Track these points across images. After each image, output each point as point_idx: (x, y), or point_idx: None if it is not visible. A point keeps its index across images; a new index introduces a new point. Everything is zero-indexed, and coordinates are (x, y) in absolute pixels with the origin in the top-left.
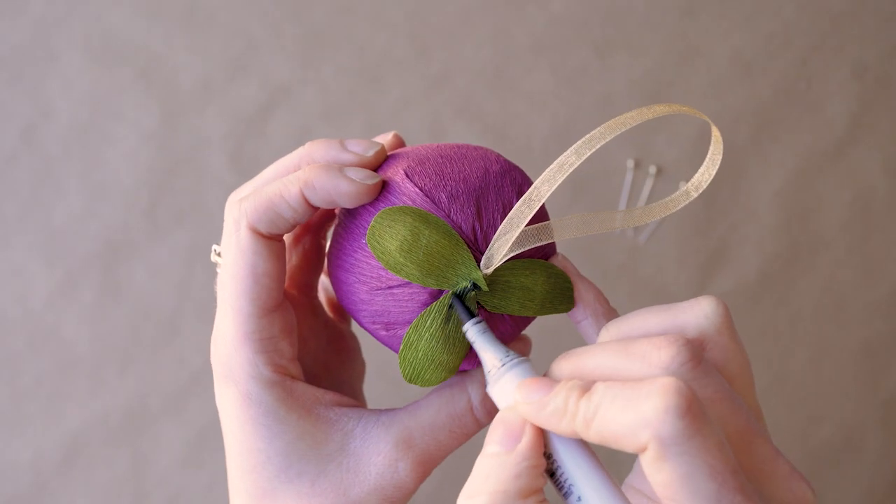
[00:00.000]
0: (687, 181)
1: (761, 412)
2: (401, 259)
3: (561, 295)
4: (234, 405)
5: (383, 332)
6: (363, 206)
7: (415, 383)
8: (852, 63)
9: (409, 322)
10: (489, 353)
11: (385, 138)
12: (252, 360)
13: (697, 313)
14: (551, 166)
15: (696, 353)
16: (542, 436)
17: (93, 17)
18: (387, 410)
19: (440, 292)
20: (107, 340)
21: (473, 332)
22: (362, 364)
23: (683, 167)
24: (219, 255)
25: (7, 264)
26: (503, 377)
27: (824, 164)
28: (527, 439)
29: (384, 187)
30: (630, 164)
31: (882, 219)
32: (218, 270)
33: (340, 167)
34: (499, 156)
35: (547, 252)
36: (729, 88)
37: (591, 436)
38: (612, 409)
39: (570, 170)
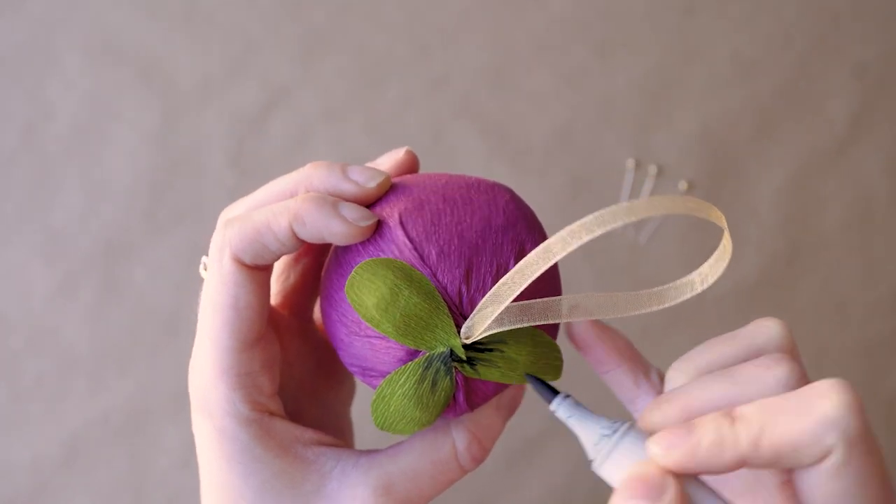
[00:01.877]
0: (687, 181)
1: None
2: (377, 316)
3: (547, 366)
4: (210, 439)
5: (360, 376)
6: (355, 245)
7: (389, 431)
8: (852, 63)
9: (385, 374)
10: (588, 428)
11: (396, 155)
12: (228, 397)
13: (768, 334)
14: (557, 236)
15: (802, 368)
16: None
17: (93, 17)
18: (367, 452)
19: (418, 352)
20: (107, 340)
21: (564, 409)
22: (352, 386)
23: (683, 167)
24: (206, 268)
25: (7, 264)
26: (617, 449)
27: (824, 164)
28: (672, 490)
29: (377, 227)
30: (630, 164)
31: (882, 219)
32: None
33: (336, 202)
34: (510, 201)
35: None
36: (729, 88)
37: (764, 455)
38: (782, 421)
39: (578, 243)
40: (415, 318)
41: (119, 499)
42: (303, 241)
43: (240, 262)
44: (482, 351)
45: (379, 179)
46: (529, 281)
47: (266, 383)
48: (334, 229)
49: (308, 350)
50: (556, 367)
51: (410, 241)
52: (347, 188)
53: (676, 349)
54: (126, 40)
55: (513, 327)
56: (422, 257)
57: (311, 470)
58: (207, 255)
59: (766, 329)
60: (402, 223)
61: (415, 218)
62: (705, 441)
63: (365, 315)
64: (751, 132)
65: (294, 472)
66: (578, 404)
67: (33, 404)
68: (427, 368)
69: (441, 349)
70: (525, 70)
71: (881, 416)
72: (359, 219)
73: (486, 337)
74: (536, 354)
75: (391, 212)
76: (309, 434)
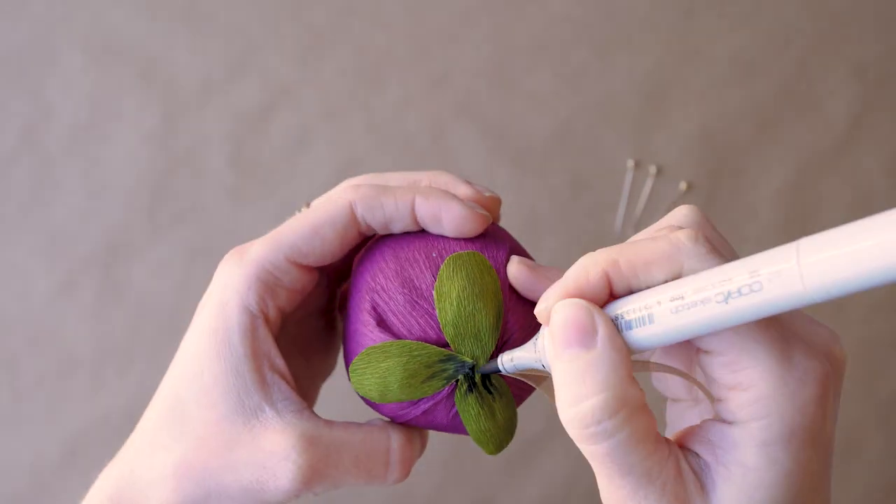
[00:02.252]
0: (687, 181)
1: None
2: (453, 296)
3: (503, 439)
4: (209, 310)
5: (370, 324)
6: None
7: (352, 377)
8: (852, 63)
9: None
10: (526, 352)
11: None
12: (249, 280)
13: (680, 215)
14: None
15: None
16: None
17: (93, 17)
18: (311, 411)
19: (445, 344)
20: (107, 340)
21: (507, 364)
22: (334, 363)
23: (683, 167)
24: (307, 206)
25: (7, 264)
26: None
27: (824, 164)
28: (604, 327)
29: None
30: (630, 164)
31: None
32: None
33: (455, 196)
34: None
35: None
36: (729, 88)
37: (623, 270)
38: (639, 245)
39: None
40: (475, 326)
41: None
42: (413, 221)
43: (351, 210)
44: (487, 388)
45: (494, 194)
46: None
47: (283, 297)
48: (454, 210)
49: (322, 312)
50: (502, 445)
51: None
52: (464, 189)
53: None
54: (126, 40)
55: (521, 377)
56: (511, 288)
57: (263, 391)
58: (206, 255)
59: (678, 211)
60: (512, 253)
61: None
62: (571, 273)
63: (443, 287)
64: (751, 132)
65: (249, 382)
66: (511, 351)
67: (33, 404)
68: (441, 362)
69: (468, 359)
70: (525, 70)
71: (881, 416)
72: (477, 207)
73: (495, 382)
74: (506, 427)
75: (504, 243)
76: (280, 362)
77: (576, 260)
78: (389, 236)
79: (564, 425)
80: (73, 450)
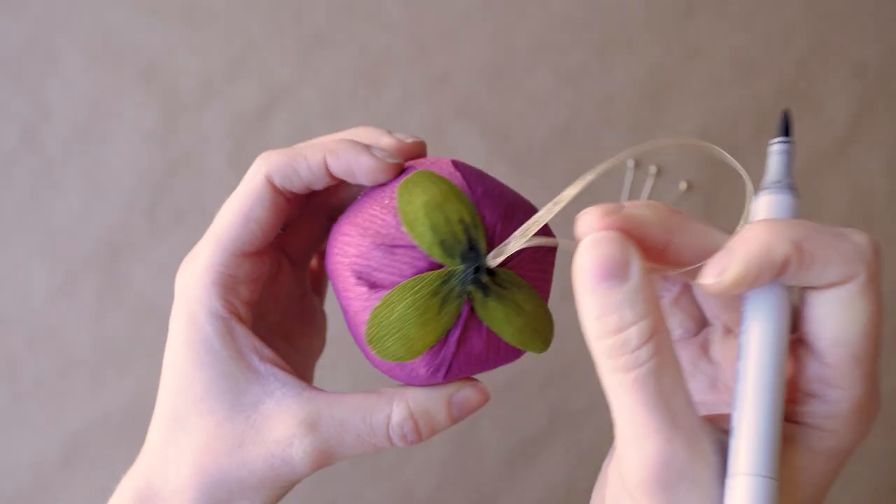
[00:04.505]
0: (687, 181)
1: None
2: (421, 215)
3: (543, 329)
4: (181, 324)
5: (364, 293)
6: (393, 181)
7: (373, 348)
8: (852, 63)
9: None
10: (777, 170)
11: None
12: (207, 288)
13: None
14: (581, 179)
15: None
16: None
17: (93, 17)
18: (312, 388)
19: (439, 267)
20: (107, 340)
21: (781, 147)
22: (322, 342)
23: (683, 167)
24: None
25: (7, 264)
26: (763, 195)
27: (824, 164)
28: (636, 261)
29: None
30: (630, 164)
31: (882, 219)
32: None
33: (368, 146)
34: None
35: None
36: (729, 88)
37: (804, 260)
38: (822, 238)
39: (583, 185)
40: (455, 227)
41: None
42: (332, 178)
43: (269, 181)
44: (501, 286)
45: (417, 139)
46: (549, 217)
47: (245, 292)
48: (363, 163)
49: (296, 295)
50: (547, 338)
51: (461, 172)
52: (386, 140)
53: None
54: (126, 40)
55: (538, 243)
56: (470, 189)
57: (257, 383)
58: None
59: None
60: (454, 162)
61: (465, 165)
62: (753, 247)
63: (407, 214)
64: (751, 132)
65: (240, 379)
66: (789, 154)
67: (33, 404)
68: (444, 283)
69: (465, 267)
70: (525, 70)
71: (881, 416)
72: (387, 156)
73: (506, 280)
74: (539, 313)
75: (444, 161)
76: (268, 352)
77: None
78: (341, 216)
79: (594, 354)
80: (73, 450)
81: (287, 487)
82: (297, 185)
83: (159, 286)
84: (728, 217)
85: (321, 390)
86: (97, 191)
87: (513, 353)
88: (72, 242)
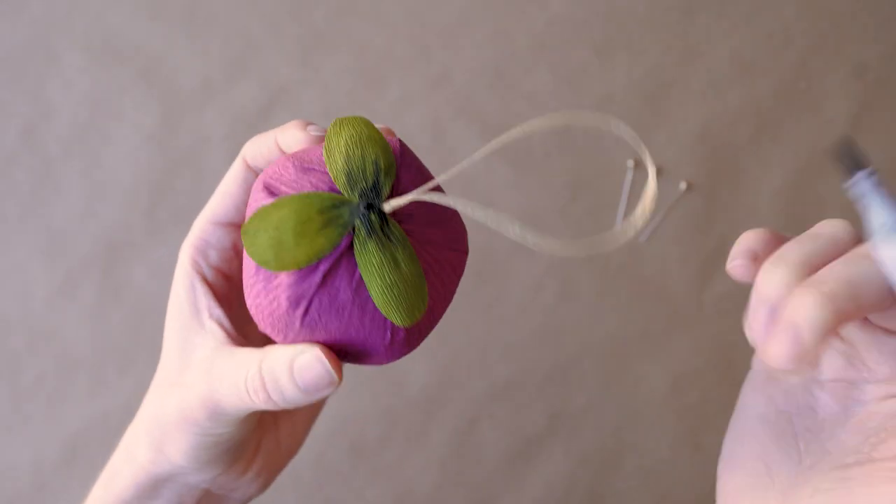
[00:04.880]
0: (687, 181)
1: None
2: (341, 144)
3: (411, 298)
4: (174, 279)
5: (262, 198)
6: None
7: (245, 241)
8: (852, 63)
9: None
10: (884, 208)
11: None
12: (186, 251)
13: (842, 229)
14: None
15: None
16: None
17: (93, 17)
18: (234, 346)
19: (338, 195)
20: (107, 340)
21: (867, 184)
22: None
23: (683, 167)
24: None
25: (7, 264)
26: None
27: (824, 164)
28: None
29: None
30: (630, 164)
31: None
32: None
33: (307, 123)
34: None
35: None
36: (729, 88)
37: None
38: None
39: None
40: (366, 166)
41: None
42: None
43: (244, 163)
44: (387, 235)
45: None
46: (449, 177)
47: (214, 256)
48: (298, 134)
49: None
50: (413, 312)
51: (399, 143)
52: (303, 129)
53: (677, 350)
54: (126, 40)
55: (427, 198)
56: (400, 152)
57: (199, 335)
58: None
59: (836, 226)
60: (398, 140)
61: (406, 146)
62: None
63: (331, 143)
64: (751, 132)
65: (190, 330)
66: (883, 185)
67: (33, 404)
68: (335, 207)
69: (365, 200)
70: (525, 70)
71: None
72: (317, 130)
73: (395, 231)
74: (412, 283)
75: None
76: (218, 311)
77: (574, 261)
78: None
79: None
80: (73, 450)
81: (204, 437)
82: (260, 164)
83: (159, 286)
84: (728, 217)
85: (241, 348)
86: (97, 191)
87: (375, 327)
88: (72, 242)
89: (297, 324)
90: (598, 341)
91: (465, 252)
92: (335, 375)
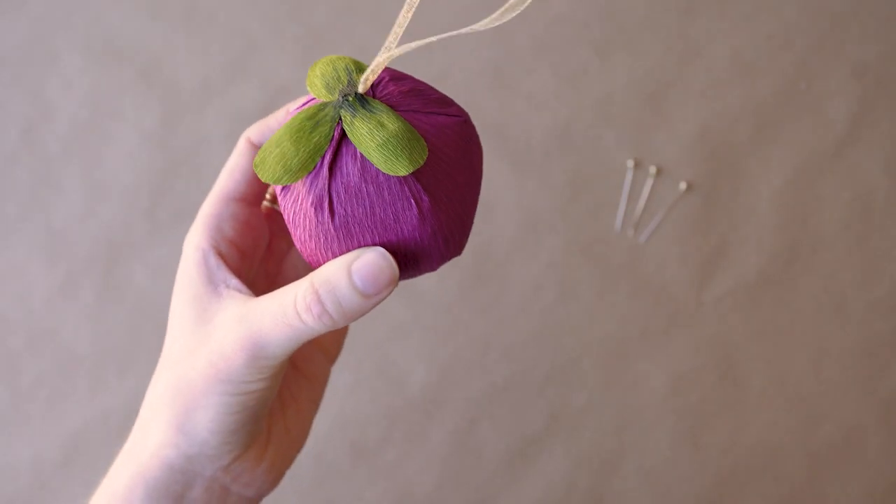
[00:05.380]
0: (687, 181)
1: None
2: (317, 70)
3: (409, 147)
4: (181, 260)
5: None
6: None
7: (259, 172)
8: (852, 63)
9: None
10: None
11: None
12: (197, 228)
13: None
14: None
15: None
16: None
17: (93, 17)
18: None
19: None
20: (107, 340)
21: None
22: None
23: (683, 167)
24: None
25: (7, 264)
26: None
27: (824, 164)
28: None
29: None
30: (630, 164)
31: (882, 219)
32: None
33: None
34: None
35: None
36: (729, 88)
37: None
38: None
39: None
40: (339, 73)
41: None
42: None
43: (248, 141)
44: (368, 110)
45: None
46: (407, 22)
47: (227, 229)
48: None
49: (282, 255)
50: (414, 157)
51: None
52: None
53: (677, 350)
54: (126, 40)
55: (399, 51)
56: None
57: (217, 303)
58: None
59: None
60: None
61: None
62: None
63: (310, 76)
64: (751, 132)
65: (204, 300)
66: None
67: (33, 404)
68: (321, 110)
69: (338, 97)
70: (525, 70)
71: (881, 416)
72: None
73: (374, 104)
74: (403, 135)
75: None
76: (234, 282)
77: (574, 261)
78: None
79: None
80: (73, 450)
81: (235, 396)
82: (264, 138)
83: (159, 286)
84: (728, 217)
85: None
86: (97, 191)
87: (396, 199)
88: (72, 242)
89: (331, 229)
90: (597, 341)
91: (461, 116)
92: (395, 268)
